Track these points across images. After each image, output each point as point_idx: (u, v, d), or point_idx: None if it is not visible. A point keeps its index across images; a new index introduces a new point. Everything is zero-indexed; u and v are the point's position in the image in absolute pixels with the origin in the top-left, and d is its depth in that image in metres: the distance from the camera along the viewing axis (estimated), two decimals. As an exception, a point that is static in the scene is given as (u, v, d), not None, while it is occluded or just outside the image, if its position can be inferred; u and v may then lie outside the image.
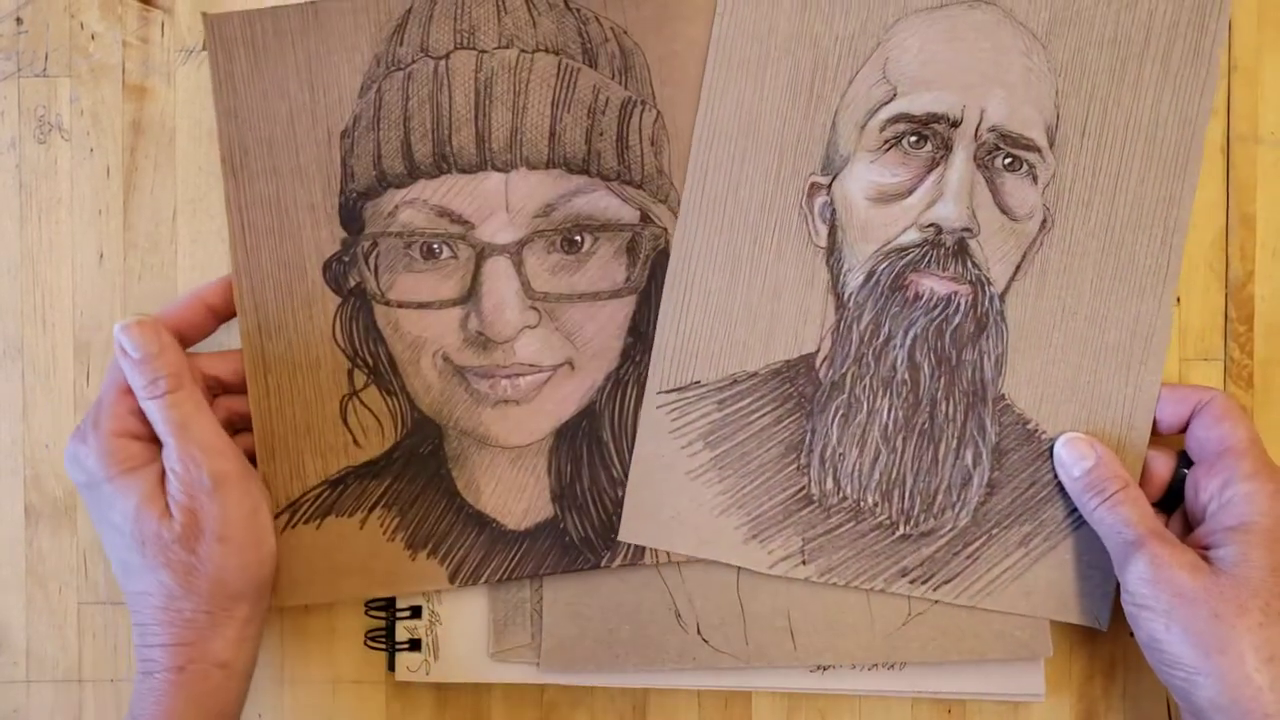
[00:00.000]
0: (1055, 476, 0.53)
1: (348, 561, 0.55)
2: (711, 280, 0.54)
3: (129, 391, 0.51)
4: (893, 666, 0.55)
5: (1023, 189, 0.53)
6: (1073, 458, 0.52)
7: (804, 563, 0.54)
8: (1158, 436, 0.54)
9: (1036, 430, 0.54)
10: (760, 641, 0.54)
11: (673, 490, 0.54)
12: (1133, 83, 0.53)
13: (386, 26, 0.53)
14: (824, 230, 0.54)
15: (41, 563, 0.58)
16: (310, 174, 0.54)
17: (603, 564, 0.55)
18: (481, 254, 0.53)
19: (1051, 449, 0.53)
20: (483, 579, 0.55)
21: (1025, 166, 0.53)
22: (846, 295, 0.54)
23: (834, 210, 0.54)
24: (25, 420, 0.57)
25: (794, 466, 0.54)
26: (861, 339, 0.54)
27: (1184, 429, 0.53)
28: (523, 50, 0.53)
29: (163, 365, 0.50)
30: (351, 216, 0.54)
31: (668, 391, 0.54)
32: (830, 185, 0.54)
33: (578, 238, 0.54)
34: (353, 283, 0.54)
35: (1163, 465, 0.53)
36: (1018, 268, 0.53)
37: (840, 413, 0.54)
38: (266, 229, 0.54)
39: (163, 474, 0.50)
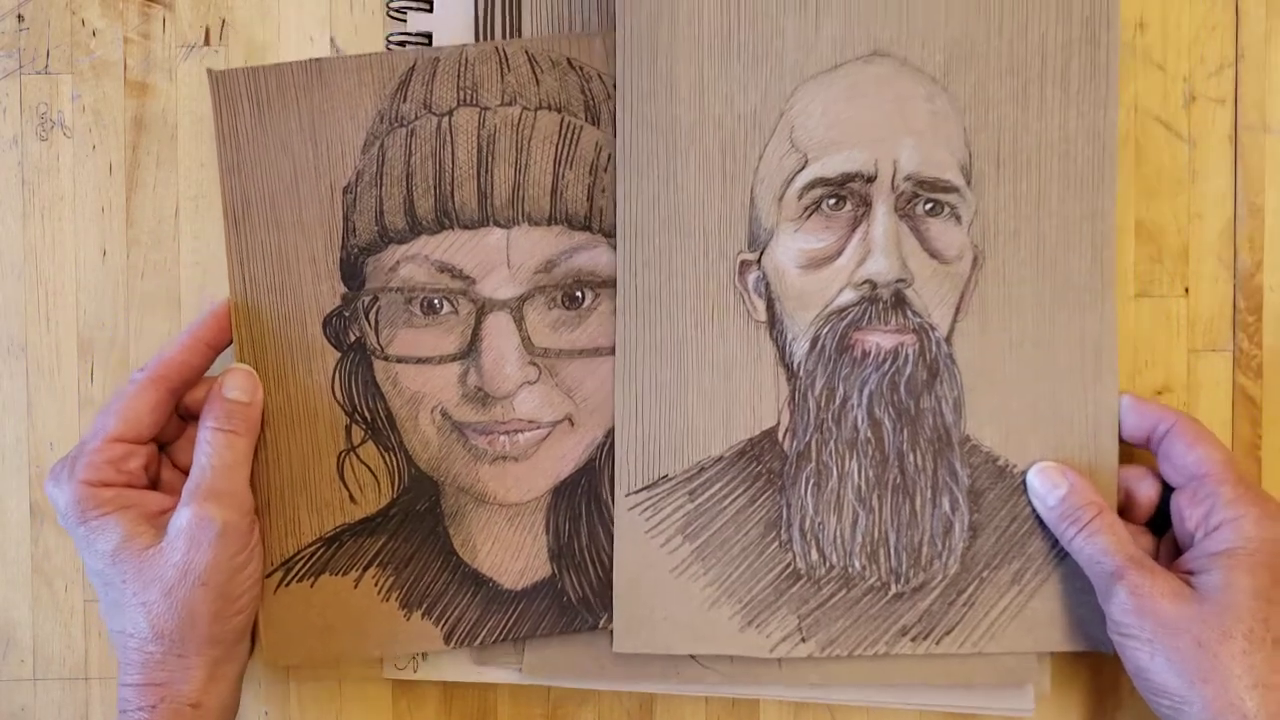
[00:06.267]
0: (1034, 509, 0.53)
1: (341, 621, 0.54)
2: (660, 373, 0.54)
3: (115, 440, 0.51)
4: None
5: (948, 231, 0.53)
6: (1045, 487, 0.52)
7: (803, 640, 0.53)
8: (1145, 459, 0.54)
9: (1007, 466, 0.53)
10: (748, 663, 0.54)
11: (660, 591, 0.53)
12: (1037, 108, 0.53)
13: (390, 84, 0.54)
14: (761, 305, 0.54)
15: (47, 561, 0.58)
16: (312, 229, 0.54)
17: (600, 625, 0.54)
18: (482, 309, 0.53)
19: (1025, 481, 0.53)
20: (479, 640, 0.55)
21: (947, 209, 0.53)
22: (796, 365, 0.53)
23: (768, 283, 0.54)
24: (29, 418, 0.58)
25: (776, 544, 0.54)
26: (819, 405, 0.53)
27: (1145, 443, 0.53)
28: (525, 108, 0.53)
29: (250, 414, 0.52)
30: (353, 271, 0.54)
31: (636, 491, 0.54)
32: (760, 260, 0.54)
33: (579, 294, 0.54)
34: (352, 338, 0.54)
35: (1149, 488, 0.53)
36: (958, 309, 0.53)
37: (812, 482, 0.54)
38: (268, 283, 0.54)
39: (145, 513, 0.51)
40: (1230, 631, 0.47)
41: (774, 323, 0.54)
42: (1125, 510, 0.54)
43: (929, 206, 0.53)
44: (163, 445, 0.54)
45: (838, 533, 0.53)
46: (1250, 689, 0.46)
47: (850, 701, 0.56)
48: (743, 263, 0.54)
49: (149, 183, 0.57)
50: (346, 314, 0.54)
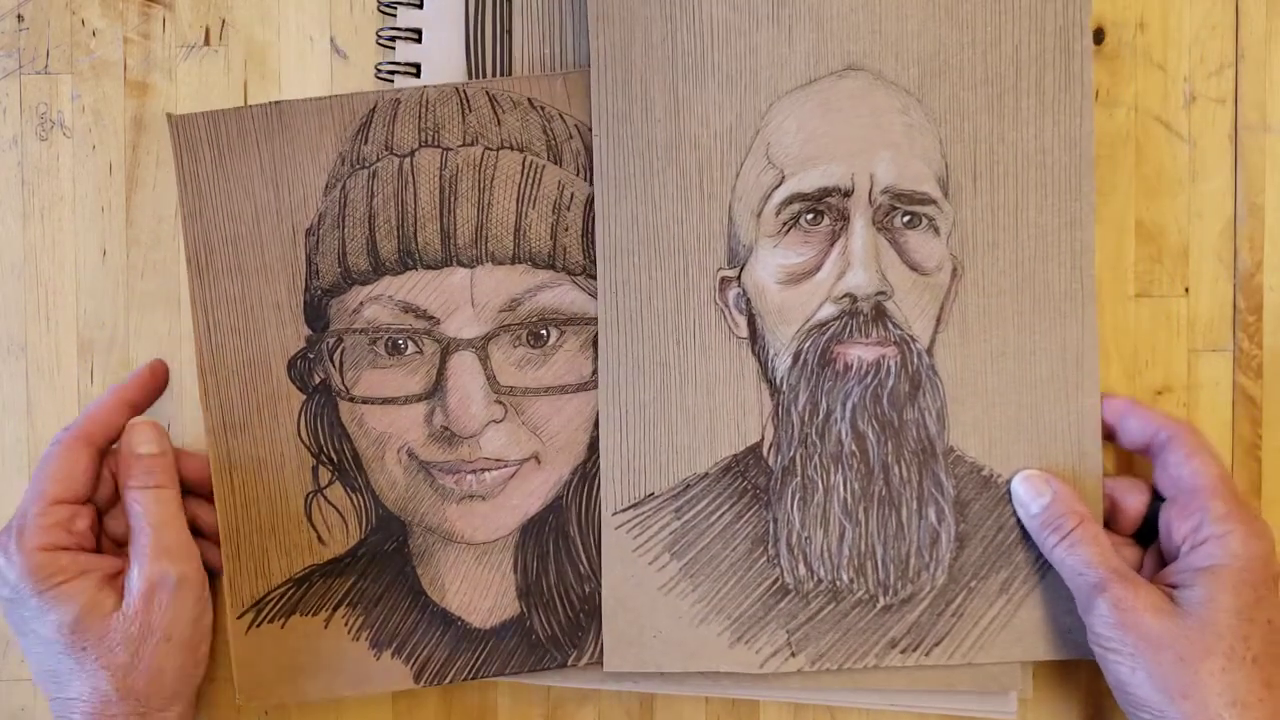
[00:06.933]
0: (1019, 518, 0.53)
1: (312, 661, 0.55)
2: (644, 392, 0.54)
3: (56, 503, 0.51)
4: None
5: (927, 243, 0.53)
6: (1029, 495, 0.52)
7: (793, 655, 0.53)
8: (1143, 468, 0.54)
9: (992, 476, 0.53)
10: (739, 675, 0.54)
11: (648, 609, 0.53)
12: (1012, 118, 0.53)
13: (351, 125, 0.54)
14: (743, 321, 0.54)
15: None
16: (275, 272, 0.54)
17: (569, 662, 0.54)
18: (447, 349, 0.54)
19: (1010, 490, 0.53)
20: (448, 679, 0.55)
21: (925, 221, 0.53)
22: (779, 379, 0.54)
23: (748, 299, 0.54)
24: (29, 418, 0.58)
25: (764, 559, 0.54)
26: (802, 420, 0.54)
27: (1144, 450, 0.53)
28: (487, 148, 0.54)
29: (166, 463, 0.52)
30: (316, 314, 0.54)
31: (623, 510, 0.54)
32: (739, 276, 0.54)
33: (544, 331, 0.54)
34: (317, 379, 0.55)
35: (1137, 500, 0.53)
36: (938, 320, 0.54)
37: (798, 496, 0.54)
38: (231, 327, 0.54)
39: (102, 577, 0.51)
40: (1211, 648, 0.47)
41: (755, 338, 0.54)
42: (1112, 520, 0.54)
43: (907, 219, 0.53)
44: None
45: (825, 546, 0.53)
46: (1229, 706, 0.46)
47: (849, 704, 0.56)
48: (723, 279, 0.54)
49: (149, 183, 0.57)
50: (311, 356, 0.55)
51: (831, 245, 0.53)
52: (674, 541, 0.54)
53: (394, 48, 0.57)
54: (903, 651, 0.53)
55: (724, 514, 0.54)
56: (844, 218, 0.53)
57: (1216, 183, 0.56)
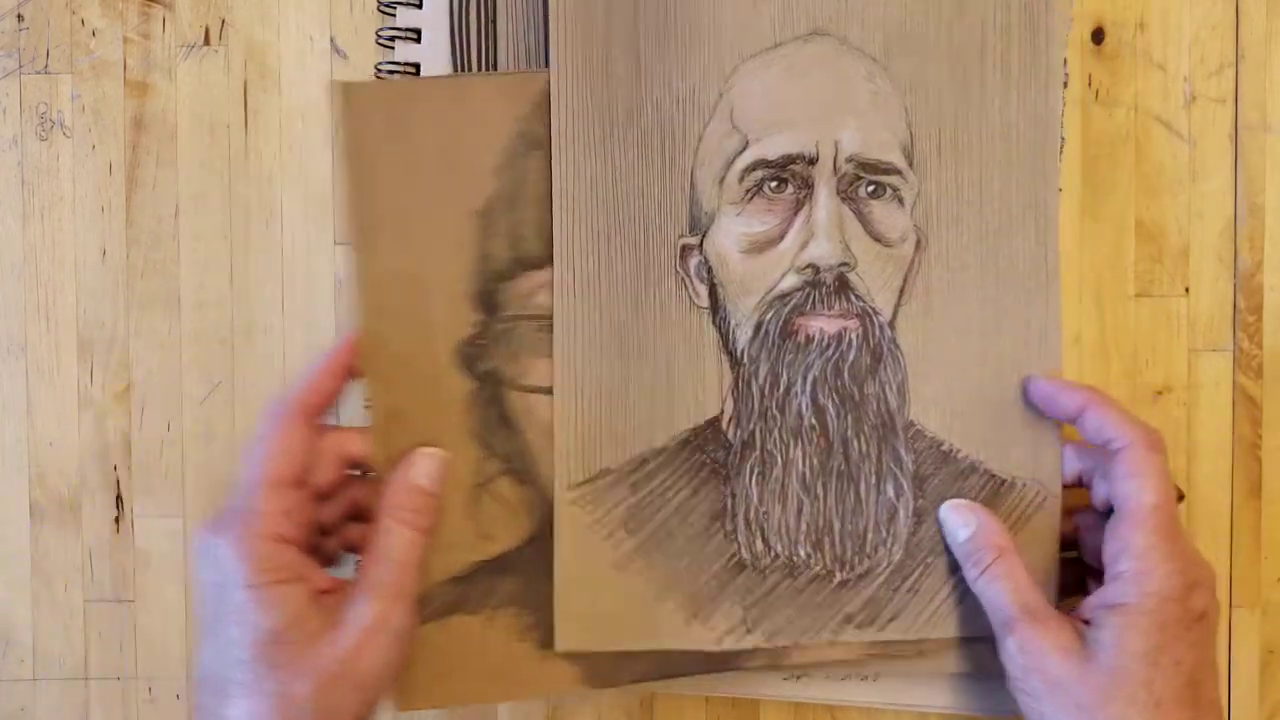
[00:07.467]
0: (979, 492, 0.53)
1: (475, 663, 0.52)
2: (600, 364, 0.52)
3: (280, 484, 0.46)
4: (865, 678, 0.55)
5: (891, 214, 0.53)
6: (955, 524, 0.52)
7: (749, 631, 0.52)
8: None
9: (952, 450, 0.53)
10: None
11: (603, 586, 0.52)
12: (978, 91, 0.53)
13: (529, 103, 0.51)
14: (704, 290, 0.53)
15: (47, 560, 0.57)
16: (443, 253, 0.51)
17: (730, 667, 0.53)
18: None
19: (971, 468, 0.53)
20: (621, 681, 0.52)
21: (889, 191, 0.52)
22: (739, 351, 0.52)
23: (710, 268, 0.52)
24: (29, 418, 0.57)
25: (720, 535, 0.53)
26: (763, 393, 0.52)
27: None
28: None
29: (436, 506, 0.49)
30: (486, 298, 0.52)
31: (577, 485, 0.52)
32: (701, 244, 0.52)
33: None
34: (486, 368, 0.52)
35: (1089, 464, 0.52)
36: (901, 292, 0.53)
37: (756, 471, 0.53)
38: (394, 309, 0.51)
39: (315, 592, 0.45)
40: (1111, 695, 0.45)
41: (716, 308, 0.53)
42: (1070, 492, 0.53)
43: (871, 189, 0.52)
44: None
45: (782, 521, 0.53)
46: None
47: (850, 702, 0.56)
48: (684, 247, 0.52)
49: (149, 183, 0.56)
50: (480, 343, 0.52)
51: (795, 214, 0.52)
52: (629, 517, 0.52)
53: (394, 48, 0.55)
54: (858, 626, 0.53)
55: (681, 489, 0.53)
56: (808, 186, 0.52)
57: (1216, 183, 0.56)
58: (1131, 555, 0.47)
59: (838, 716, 0.57)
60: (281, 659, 0.44)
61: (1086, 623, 0.48)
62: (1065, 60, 0.54)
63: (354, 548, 0.51)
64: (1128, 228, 0.57)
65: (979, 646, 0.53)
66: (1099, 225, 0.56)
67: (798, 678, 0.55)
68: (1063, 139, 0.55)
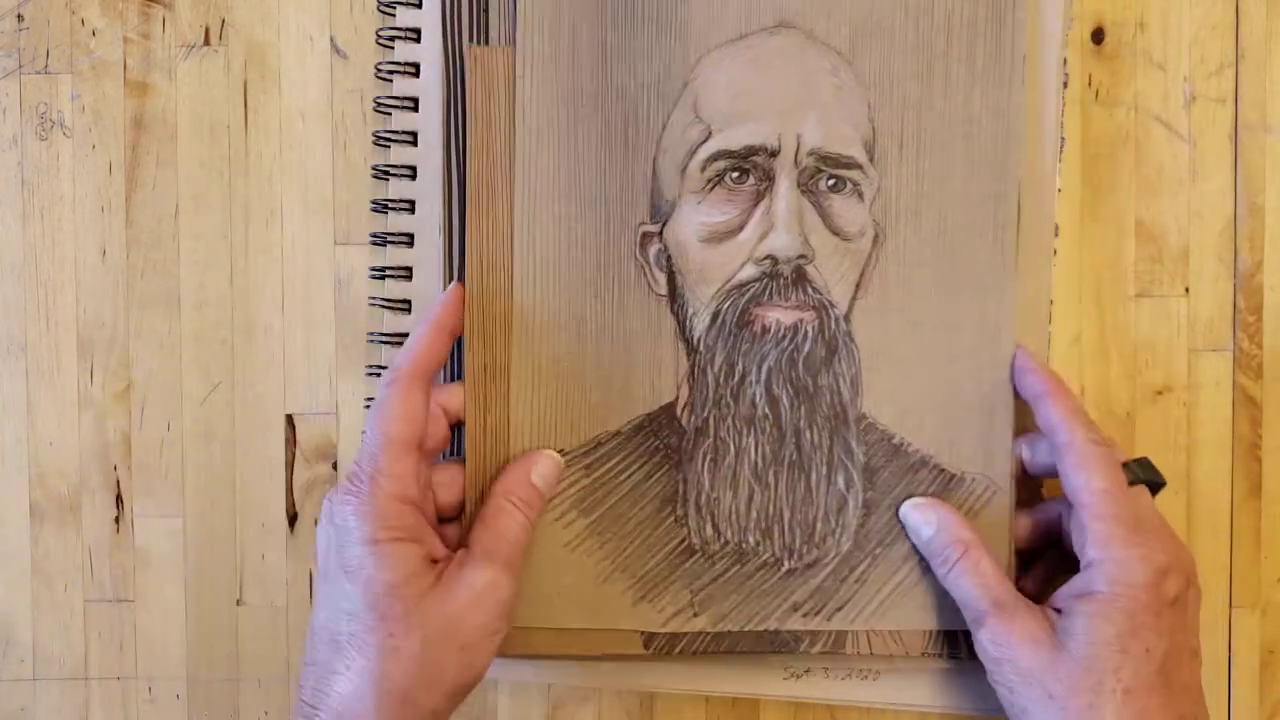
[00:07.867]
0: (929, 486, 0.53)
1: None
2: (559, 347, 0.53)
3: (404, 446, 0.47)
4: (865, 676, 0.56)
5: (850, 208, 0.53)
6: (917, 523, 0.52)
7: (696, 615, 0.53)
8: None
9: (903, 444, 0.54)
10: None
11: (553, 565, 0.53)
12: (942, 86, 0.53)
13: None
14: (663, 278, 0.53)
15: (47, 561, 0.57)
16: None
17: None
18: None
19: (922, 461, 0.53)
20: (678, 649, 0.53)
21: (849, 185, 0.53)
22: (696, 339, 0.53)
23: (669, 256, 0.53)
24: (29, 418, 0.57)
25: (671, 519, 0.53)
26: (718, 381, 0.53)
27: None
28: None
29: (544, 503, 0.52)
30: None
31: (532, 465, 0.53)
32: (661, 232, 0.53)
33: None
34: None
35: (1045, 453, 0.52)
36: (858, 286, 0.53)
37: (709, 457, 0.53)
38: (497, 266, 0.53)
39: (428, 554, 0.47)
40: (1079, 685, 0.46)
41: (675, 296, 0.53)
42: (1025, 479, 0.53)
43: (832, 182, 0.53)
44: None
45: (733, 508, 0.53)
46: None
47: (850, 702, 0.56)
48: (644, 234, 0.53)
49: (149, 183, 0.57)
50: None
51: (755, 205, 0.52)
52: (582, 498, 0.53)
53: (394, 47, 0.56)
54: (805, 615, 0.53)
55: (634, 473, 0.53)
56: (769, 178, 0.52)
57: (1216, 183, 0.56)
58: (1095, 544, 0.48)
59: (838, 716, 0.57)
60: (393, 612, 0.45)
61: (1059, 612, 0.48)
62: (1065, 60, 0.55)
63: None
64: (1128, 228, 0.57)
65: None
66: (1099, 225, 0.56)
67: (798, 677, 0.56)
68: (1063, 139, 0.55)
